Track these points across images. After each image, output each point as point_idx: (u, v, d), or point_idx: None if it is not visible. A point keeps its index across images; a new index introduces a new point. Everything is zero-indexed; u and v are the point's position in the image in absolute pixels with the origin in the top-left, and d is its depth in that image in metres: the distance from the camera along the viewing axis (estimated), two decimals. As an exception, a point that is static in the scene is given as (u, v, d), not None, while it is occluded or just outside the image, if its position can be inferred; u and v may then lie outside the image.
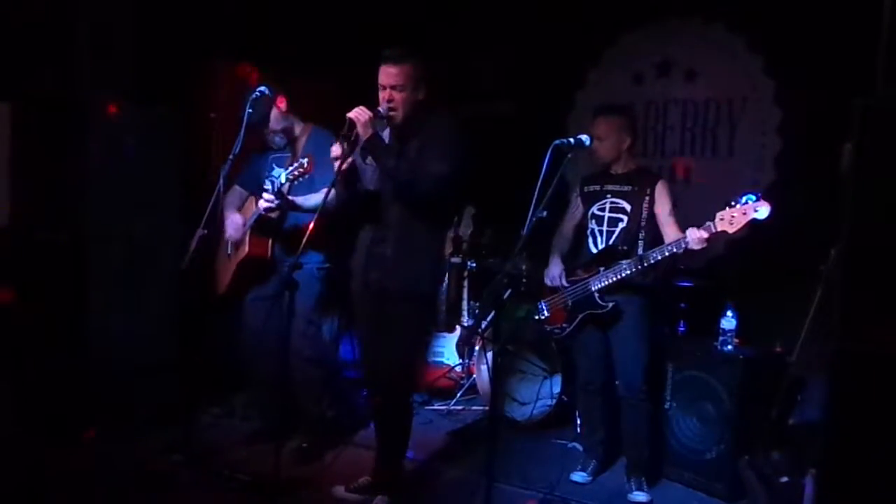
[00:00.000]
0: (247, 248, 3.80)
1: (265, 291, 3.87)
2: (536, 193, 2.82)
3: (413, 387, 3.71)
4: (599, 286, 3.51)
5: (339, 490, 3.45)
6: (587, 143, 3.01)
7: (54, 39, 4.20)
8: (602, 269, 3.51)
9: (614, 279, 3.46)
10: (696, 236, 3.19)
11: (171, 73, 4.52)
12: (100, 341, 4.01)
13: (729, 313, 3.67)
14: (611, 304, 3.49)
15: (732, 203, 3.15)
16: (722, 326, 3.67)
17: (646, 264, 3.38)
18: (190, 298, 4.20)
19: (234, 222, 3.89)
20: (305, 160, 3.44)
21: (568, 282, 3.67)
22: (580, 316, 3.60)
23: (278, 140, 3.89)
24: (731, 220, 3.13)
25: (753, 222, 3.13)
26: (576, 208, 3.80)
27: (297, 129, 3.91)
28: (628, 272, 3.42)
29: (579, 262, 3.71)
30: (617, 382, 3.67)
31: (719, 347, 3.66)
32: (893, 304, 2.42)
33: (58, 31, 4.20)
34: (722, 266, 4.65)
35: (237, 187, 4.00)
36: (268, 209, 3.60)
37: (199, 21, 4.70)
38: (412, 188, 3.10)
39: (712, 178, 4.92)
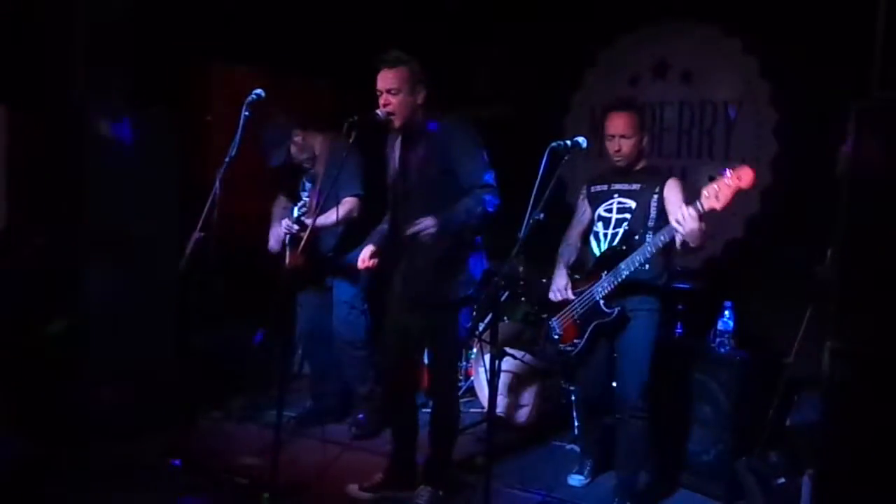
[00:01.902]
0: (287, 261, 4.04)
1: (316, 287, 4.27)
2: (533, 196, 2.82)
3: (457, 386, 3.94)
4: (603, 292, 3.29)
5: (353, 488, 3.48)
6: (584, 144, 2.92)
7: (52, 42, 4.19)
8: (604, 273, 3.30)
9: (615, 282, 3.25)
10: (682, 213, 2.94)
11: (168, 77, 4.52)
12: (98, 343, 4.00)
13: (726, 315, 3.67)
14: (616, 310, 3.27)
15: (714, 176, 2.94)
16: (719, 328, 3.68)
17: (641, 259, 3.16)
18: (188, 301, 4.19)
19: (275, 234, 4.18)
20: (309, 199, 3.88)
21: (574, 293, 3.42)
22: (590, 328, 3.36)
23: (305, 164, 4.15)
24: (716, 195, 2.88)
25: (740, 192, 2.89)
26: (583, 212, 3.57)
27: (317, 147, 4.12)
28: (626, 272, 3.21)
29: (583, 269, 3.49)
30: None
31: (716, 349, 3.67)
32: (888, 306, 2.43)
33: (55, 34, 4.19)
34: (719, 267, 4.66)
35: (282, 198, 4.32)
36: (294, 233, 3.90)
37: (196, 25, 4.70)
38: (480, 217, 3.21)
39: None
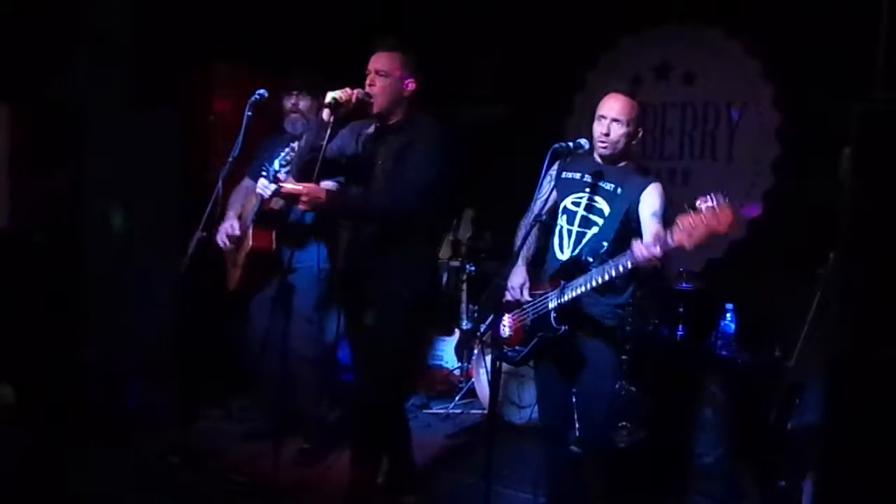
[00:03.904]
0: (250, 242, 3.73)
1: (269, 292, 3.86)
2: (535, 195, 2.82)
3: (401, 395, 3.52)
4: (556, 303, 2.83)
5: None
6: (586, 146, 2.87)
7: (55, 42, 4.20)
8: (563, 282, 2.83)
9: (571, 296, 2.79)
10: (643, 254, 2.55)
11: (170, 77, 4.52)
12: (98, 343, 4.00)
13: (728, 317, 3.66)
14: (564, 328, 2.82)
15: (698, 206, 2.44)
16: (721, 330, 3.67)
17: (593, 282, 2.71)
18: (188, 300, 4.19)
19: (223, 229, 3.79)
20: (296, 144, 3.39)
21: (531, 295, 2.96)
22: (534, 339, 2.91)
23: (300, 125, 3.80)
24: (690, 231, 2.43)
25: (714, 236, 2.43)
26: (546, 195, 3.02)
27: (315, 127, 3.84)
28: (582, 290, 2.75)
29: (545, 268, 3.05)
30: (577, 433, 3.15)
31: (718, 351, 3.66)
32: (891, 309, 2.42)
33: (58, 33, 4.20)
34: (721, 270, 4.65)
35: (246, 181, 3.93)
36: (268, 196, 3.54)
37: (199, 24, 4.70)
38: (391, 214, 3.01)
39: (710, 182, 4.92)
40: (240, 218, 3.84)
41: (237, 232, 3.78)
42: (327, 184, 3.41)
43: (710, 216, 2.40)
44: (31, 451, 3.67)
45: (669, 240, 2.48)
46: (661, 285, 4.12)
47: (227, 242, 3.80)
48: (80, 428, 3.85)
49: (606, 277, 2.66)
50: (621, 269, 2.62)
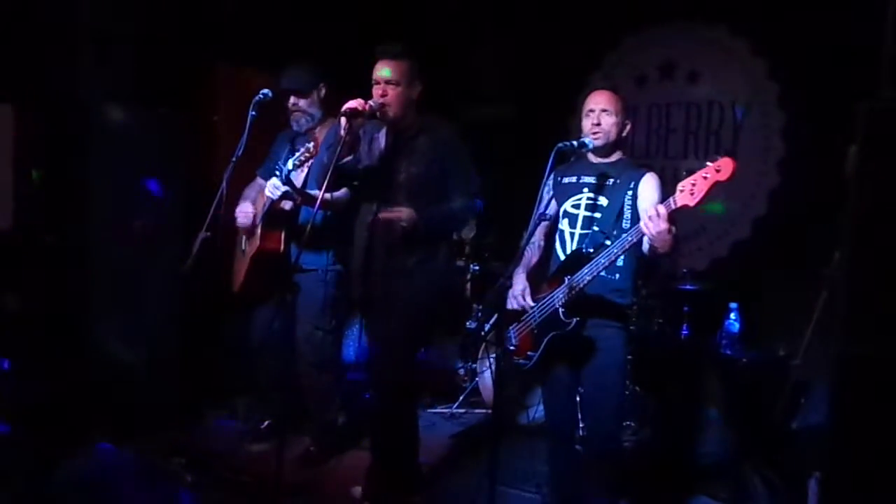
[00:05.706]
0: (258, 242, 3.73)
1: (275, 294, 3.83)
2: (539, 196, 2.82)
3: (415, 392, 3.64)
4: (563, 299, 2.80)
5: (357, 490, 3.45)
6: (590, 145, 2.89)
7: (57, 42, 4.21)
8: (568, 277, 2.80)
9: (578, 288, 2.76)
10: (648, 224, 2.55)
11: (173, 76, 4.52)
12: (102, 344, 4.01)
13: (732, 316, 3.66)
14: (575, 321, 2.79)
15: (693, 170, 2.58)
16: (725, 329, 3.67)
17: (605, 261, 2.70)
18: (192, 301, 4.19)
19: (243, 210, 3.83)
20: (311, 144, 3.40)
21: (534, 300, 2.94)
22: (545, 340, 2.87)
23: (304, 122, 3.82)
24: (691, 189, 2.52)
25: (718, 185, 2.54)
26: (547, 205, 3.04)
27: (319, 126, 3.84)
28: (589, 277, 2.74)
29: (546, 273, 3.03)
30: (581, 432, 3.18)
31: (723, 350, 3.66)
32: (897, 308, 2.41)
33: (61, 33, 4.20)
34: (725, 269, 4.64)
35: (258, 180, 3.96)
36: (276, 198, 3.53)
37: (202, 24, 4.70)
38: (463, 222, 3.27)
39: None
40: (254, 216, 3.85)
41: (251, 215, 3.78)
42: (340, 192, 3.57)
43: (710, 169, 2.52)
44: (33, 453, 3.68)
45: (672, 203, 2.53)
46: (665, 284, 4.12)
47: (246, 221, 3.78)
48: (84, 428, 3.86)
49: (613, 257, 2.69)
50: (627, 242, 2.65)
